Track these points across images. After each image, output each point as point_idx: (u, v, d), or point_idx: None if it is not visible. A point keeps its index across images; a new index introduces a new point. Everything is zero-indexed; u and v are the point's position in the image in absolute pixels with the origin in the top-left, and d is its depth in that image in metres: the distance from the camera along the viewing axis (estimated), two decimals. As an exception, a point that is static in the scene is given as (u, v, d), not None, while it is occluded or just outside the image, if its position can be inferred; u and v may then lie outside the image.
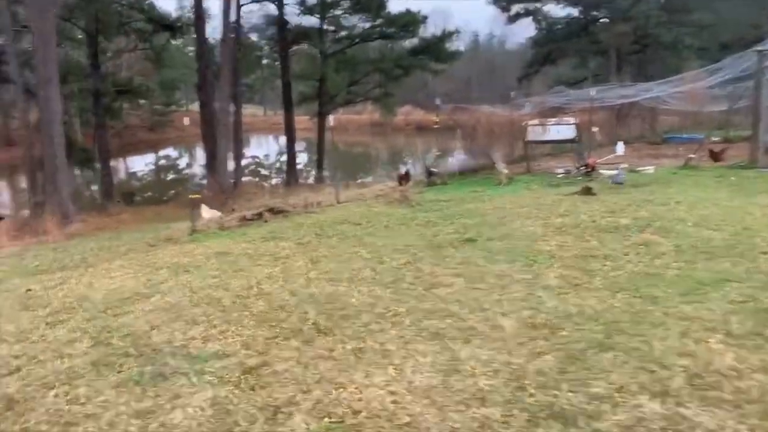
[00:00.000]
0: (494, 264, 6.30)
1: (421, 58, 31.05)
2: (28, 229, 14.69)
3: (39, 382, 4.05)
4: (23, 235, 14.22)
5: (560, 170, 14.78)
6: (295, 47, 32.42)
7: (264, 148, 55.59)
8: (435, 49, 30.77)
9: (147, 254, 8.45)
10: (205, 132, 26.17)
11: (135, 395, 3.73)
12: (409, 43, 33.33)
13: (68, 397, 3.78)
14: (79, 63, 27.34)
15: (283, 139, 60.77)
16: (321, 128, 31.26)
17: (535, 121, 16.48)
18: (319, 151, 31.67)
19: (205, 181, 38.68)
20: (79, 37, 28.02)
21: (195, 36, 27.95)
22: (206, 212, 11.89)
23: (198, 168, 45.36)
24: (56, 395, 3.83)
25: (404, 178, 15.42)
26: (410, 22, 29.66)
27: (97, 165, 27.32)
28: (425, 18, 30.17)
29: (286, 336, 4.59)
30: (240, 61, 28.44)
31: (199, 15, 26.21)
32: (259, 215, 10.69)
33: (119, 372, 4.11)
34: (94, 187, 31.23)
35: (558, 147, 18.55)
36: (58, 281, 7.06)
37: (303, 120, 34.84)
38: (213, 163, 22.04)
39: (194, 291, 5.97)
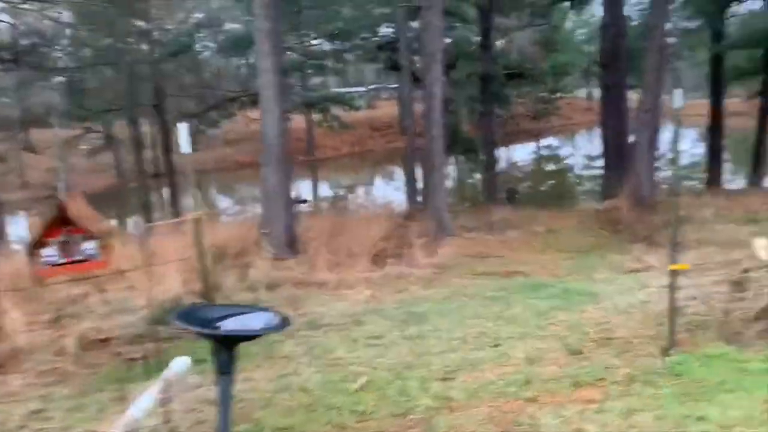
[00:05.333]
0: None
1: None
2: (398, 242, 11.87)
3: None
4: (391, 249, 11.41)
5: None
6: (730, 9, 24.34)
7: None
8: None
9: None
10: (606, 118, 20.66)
11: None
12: None
13: None
14: (469, 46, 25.15)
15: (671, 127, 51.11)
16: (763, 113, 22.95)
17: None
18: (759, 144, 23.21)
19: (584, 173, 33.37)
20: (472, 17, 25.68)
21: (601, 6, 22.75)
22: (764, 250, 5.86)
23: (579, 158, 40.20)
24: None
25: None
26: None
27: (481, 156, 24.85)
28: None
29: None
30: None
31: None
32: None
33: None
34: (476, 175, 29.14)
35: None
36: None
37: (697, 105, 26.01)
38: (629, 162, 16.06)
39: None
